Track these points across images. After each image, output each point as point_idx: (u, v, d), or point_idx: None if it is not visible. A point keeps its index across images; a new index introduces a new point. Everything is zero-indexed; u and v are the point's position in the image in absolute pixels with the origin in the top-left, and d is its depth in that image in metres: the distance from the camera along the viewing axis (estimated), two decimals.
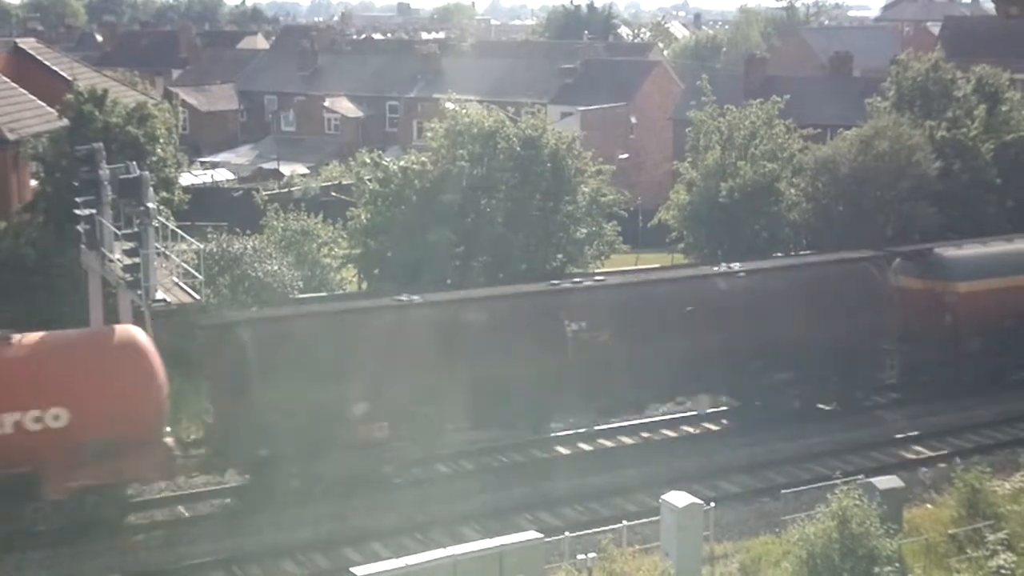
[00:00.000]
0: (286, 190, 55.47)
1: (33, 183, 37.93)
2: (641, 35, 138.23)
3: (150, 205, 26.90)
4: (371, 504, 26.19)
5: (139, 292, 26.92)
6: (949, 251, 35.23)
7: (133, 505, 25.80)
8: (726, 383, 31.37)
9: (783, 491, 26.42)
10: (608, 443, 30.73)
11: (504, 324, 28.04)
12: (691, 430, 31.91)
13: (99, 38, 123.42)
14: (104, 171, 28.59)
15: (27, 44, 50.89)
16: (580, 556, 21.91)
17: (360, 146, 50.60)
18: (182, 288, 28.34)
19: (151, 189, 27.92)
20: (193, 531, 25.13)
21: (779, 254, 37.31)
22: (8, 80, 42.48)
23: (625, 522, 23.28)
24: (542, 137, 37.25)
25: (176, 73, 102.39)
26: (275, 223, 39.36)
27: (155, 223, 27.02)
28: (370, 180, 36.29)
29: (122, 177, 28.12)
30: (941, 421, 32.03)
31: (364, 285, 37.83)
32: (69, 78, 41.21)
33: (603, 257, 38.95)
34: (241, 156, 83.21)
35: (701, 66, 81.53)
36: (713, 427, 32.16)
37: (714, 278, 31.26)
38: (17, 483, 22.97)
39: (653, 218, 43.29)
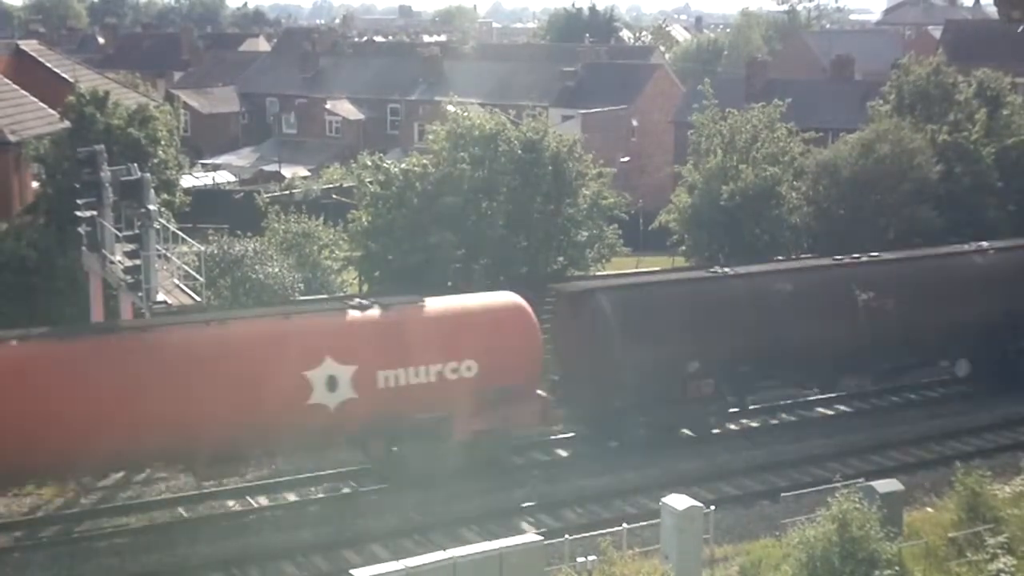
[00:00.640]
0: (287, 192, 55.55)
1: (34, 185, 37.96)
2: (642, 38, 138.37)
3: (151, 207, 26.89)
4: (371, 505, 26.24)
5: (140, 294, 26.93)
6: None
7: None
8: (980, 349, 33.98)
9: (783, 494, 26.45)
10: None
11: (806, 293, 31.41)
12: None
13: (101, 40, 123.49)
14: (105, 173, 28.59)
15: (29, 46, 50.93)
16: (580, 559, 21.93)
17: (361, 148, 50.67)
18: (183, 290, 28.37)
19: (152, 191, 27.92)
20: None
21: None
22: (10, 82, 42.51)
23: (625, 524, 23.28)
24: (543, 140, 37.28)
25: (178, 75, 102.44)
26: (276, 225, 39.38)
27: (156, 225, 27.02)
28: (371, 182, 36.30)
29: (123, 179, 28.12)
30: (941, 425, 32.11)
31: (365, 288, 37.82)
32: (71, 80, 41.22)
33: (604, 260, 38.97)
34: (242, 158, 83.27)
35: (702, 69, 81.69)
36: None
37: (971, 255, 35.07)
38: (434, 425, 26.52)
39: (654, 221, 43.31)
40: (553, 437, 30.64)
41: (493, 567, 19.75)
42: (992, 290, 33.81)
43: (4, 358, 23.46)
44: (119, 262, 28.28)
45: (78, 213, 29.53)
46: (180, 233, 31.05)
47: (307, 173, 70.58)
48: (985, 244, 35.61)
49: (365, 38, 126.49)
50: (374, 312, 26.53)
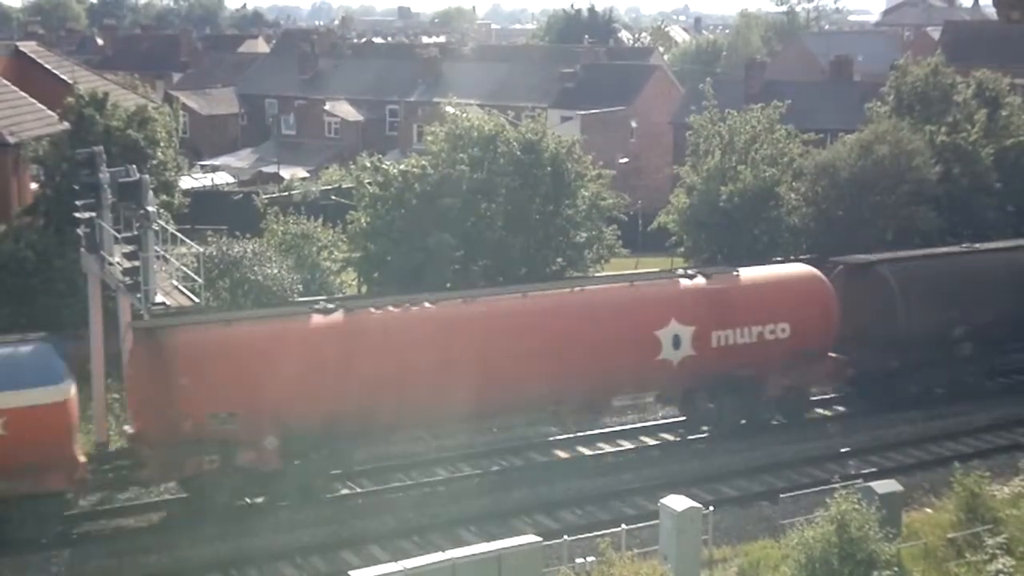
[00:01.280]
0: (286, 194, 55.50)
1: (33, 186, 37.96)
2: (641, 39, 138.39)
3: (150, 208, 26.86)
4: (369, 507, 26.23)
5: (138, 295, 26.89)
6: None
7: None
8: None
9: (782, 495, 26.45)
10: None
11: None
12: None
13: (100, 41, 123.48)
14: (104, 174, 28.54)
15: (28, 47, 50.91)
16: (579, 560, 21.92)
17: (360, 150, 50.66)
18: (182, 291, 28.32)
19: (151, 192, 27.89)
20: None
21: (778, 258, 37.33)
22: (9, 83, 42.50)
23: (624, 526, 23.28)
24: (542, 141, 37.30)
25: (177, 77, 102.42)
26: (275, 226, 39.41)
27: (155, 226, 26.97)
28: (370, 184, 36.31)
29: (122, 180, 28.08)
30: (940, 426, 32.12)
31: (363, 289, 37.83)
32: (70, 81, 41.21)
33: (603, 261, 38.99)
34: (241, 160, 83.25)
35: (701, 70, 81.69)
36: None
37: None
38: (752, 381, 30.02)
39: (653, 222, 43.32)
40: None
41: (492, 568, 19.74)
42: None
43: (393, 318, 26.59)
44: (118, 263, 28.24)
45: (77, 214, 29.49)
46: (179, 234, 31.01)
47: (306, 174, 70.54)
48: None
49: (364, 39, 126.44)
50: (701, 281, 30.15)
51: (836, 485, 22.46)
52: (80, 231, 29.77)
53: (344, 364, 25.43)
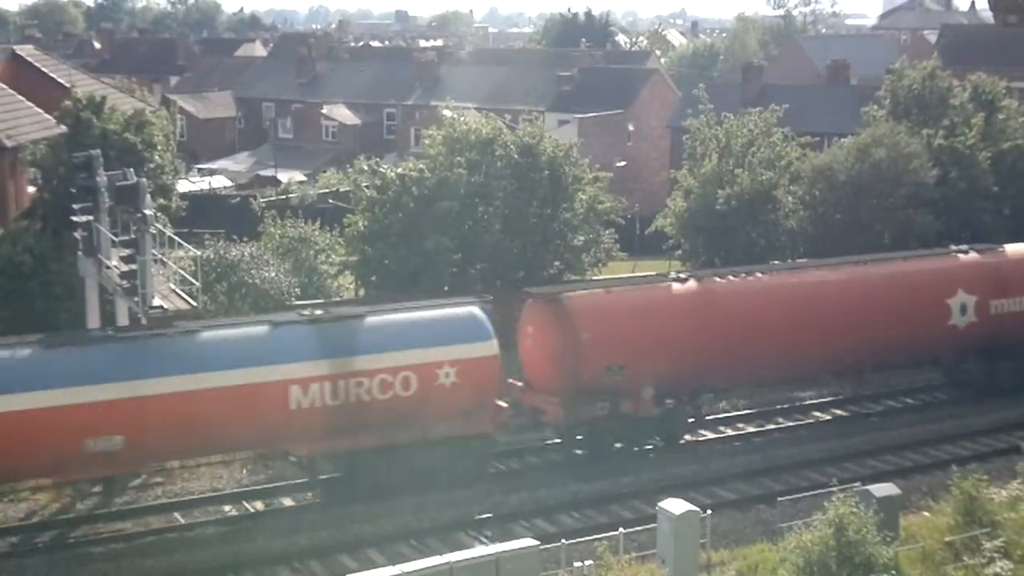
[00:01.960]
0: (283, 197, 55.58)
1: (31, 190, 37.94)
2: (638, 43, 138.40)
3: (147, 212, 26.86)
4: (367, 511, 26.22)
5: (136, 299, 26.89)
6: None
7: None
8: None
9: (779, 498, 26.44)
10: None
11: None
12: None
13: (97, 45, 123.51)
14: (101, 178, 28.56)
15: (25, 51, 50.93)
16: (576, 564, 21.91)
17: (358, 153, 50.64)
18: (179, 295, 28.32)
19: (148, 196, 27.87)
20: None
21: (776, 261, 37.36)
22: (6, 87, 42.52)
23: (622, 529, 23.27)
24: (540, 144, 37.32)
25: (174, 80, 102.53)
26: (272, 230, 39.42)
27: (152, 230, 26.98)
28: (367, 187, 36.32)
29: (119, 184, 28.09)
30: (938, 429, 32.14)
31: (361, 292, 37.83)
32: (67, 85, 41.23)
33: (600, 264, 38.99)
34: (239, 163, 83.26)
35: (698, 74, 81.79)
36: None
37: None
38: (1015, 348, 33.30)
39: (650, 225, 43.33)
40: None
41: (489, 572, 19.73)
42: None
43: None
44: (115, 267, 28.24)
45: (74, 218, 29.50)
46: (176, 238, 31.03)
47: (303, 178, 70.57)
48: None
49: (361, 43, 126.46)
50: (976, 255, 33.91)
51: (834, 488, 22.45)
52: (77, 235, 29.76)
53: (703, 325, 29.27)
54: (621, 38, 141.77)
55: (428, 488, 26.30)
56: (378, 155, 46.44)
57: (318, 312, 26.58)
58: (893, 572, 20.94)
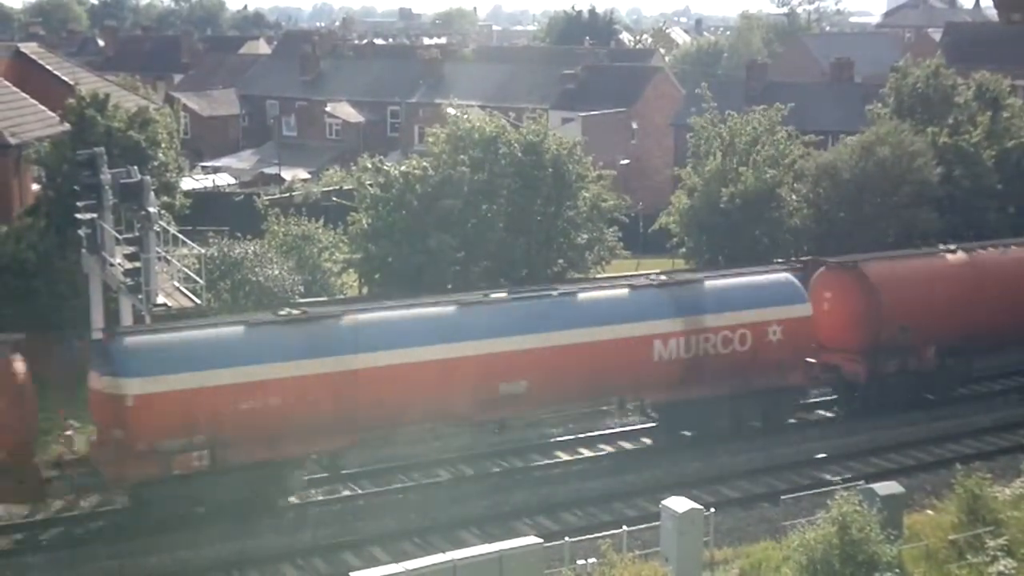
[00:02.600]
0: (287, 195, 55.53)
1: (35, 187, 37.97)
2: (642, 41, 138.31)
3: (151, 209, 26.91)
4: (371, 509, 26.23)
5: (140, 296, 26.93)
6: None
7: None
8: None
9: (783, 497, 26.42)
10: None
11: None
12: None
13: (101, 43, 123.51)
14: (105, 175, 28.61)
15: (29, 49, 50.91)
16: (580, 561, 21.90)
17: (361, 151, 50.68)
18: (183, 292, 28.36)
19: (152, 193, 27.95)
20: None
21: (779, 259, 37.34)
22: (10, 84, 42.53)
23: (625, 527, 23.27)
24: (543, 142, 37.31)
25: (178, 78, 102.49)
26: (276, 228, 39.43)
27: (156, 227, 27.03)
28: (371, 185, 36.32)
29: (123, 181, 28.14)
30: (942, 427, 32.12)
31: (364, 290, 37.84)
32: (71, 83, 41.24)
33: (604, 262, 38.98)
34: (242, 161, 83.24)
35: (702, 72, 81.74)
36: None
37: None
38: None
39: (654, 223, 43.32)
40: None
41: (493, 569, 19.73)
42: None
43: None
44: (119, 264, 28.28)
45: (78, 216, 29.55)
46: (180, 235, 31.06)
47: (307, 175, 70.54)
48: None
49: (365, 41, 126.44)
50: None
51: (837, 487, 22.44)
52: (81, 232, 29.82)
53: (974, 291, 32.87)
54: (625, 36, 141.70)
55: (749, 435, 30.36)
56: (382, 153, 46.50)
57: (663, 277, 30.90)
58: (897, 570, 20.95)
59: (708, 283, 30.34)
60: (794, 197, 40.57)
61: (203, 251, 31.24)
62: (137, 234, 27.30)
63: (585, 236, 38.08)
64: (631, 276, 32.73)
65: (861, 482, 24.91)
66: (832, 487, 23.06)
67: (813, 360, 31.41)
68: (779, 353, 30.24)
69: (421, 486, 27.76)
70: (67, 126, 36.03)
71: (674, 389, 29.33)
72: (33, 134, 38.65)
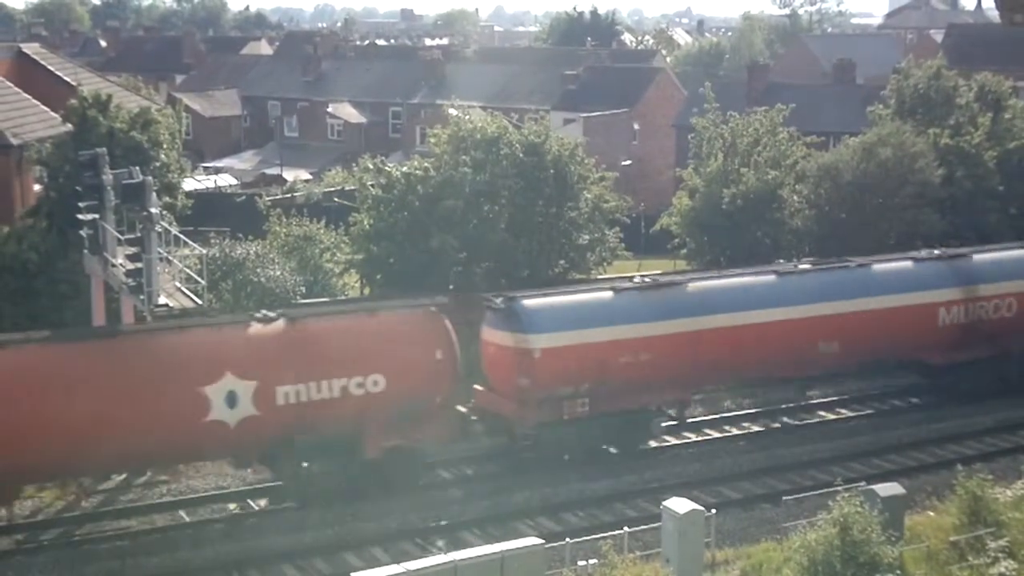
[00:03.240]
0: (289, 195, 55.54)
1: (36, 188, 37.96)
2: (644, 42, 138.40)
3: (153, 210, 26.88)
4: (372, 509, 26.25)
5: (141, 297, 26.91)
6: None
7: None
8: None
9: (784, 498, 26.44)
10: None
11: None
12: None
13: (103, 43, 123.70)
14: (107, 176, 28.56)
15: (31, 49, 50.90)
16: (581, 562, 21.92)
17: (363, 152, 50.69)
18: (185, 293, 28.34)
19: (154, 194, 27.90)
20: None
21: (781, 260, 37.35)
22: (12, 85, 42.52)
23: (626, 528, 23.28)
24: (545, 143, 37.30)
25: (180, 78, 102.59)
26: (278, 228, 39.42)
27: (158, 228, 26.99)
28: (373, 186, 36.32)
29: (125, 182, 28.10)
30: (943, 428, 32.13)
31: (366, 291, 37.85)
32: (73, 83, 41.24)
33: (606, 263, 38.98)
34: (244, 161, 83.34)
35: (704, 73, 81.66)
36: None
37: None
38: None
39: (656, 224, 43.32)
40: None
41: (494, 570, 19.74)
42: None
43: None
44: (121, 265, 28.26)
45: (80, 216, 29.50)
46: (182, 236, 31.01)
47: (309, 176, 70.61)
48: None
49: (367, 41, 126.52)
50: None
51: (839, 488, 22.44)
52: (83, 233, 29.79)
53: None
54: (627, 37, 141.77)
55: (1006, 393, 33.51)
56: (383, 154, 46.50)
57: (937, 252, 34.25)
58: (898, 572, 20.94)
59: (977, 256, 34.35)
60: (796, 198, 40.56)
61: (205, 252, 31.20)
62: (139, 235, 27.27)
63: (587, 237, 38.06)
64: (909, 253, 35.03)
65: (862, 483, 24.91)
66: (833, 488, 23.03)
67: None
68: None
69: (421, 487, 27.78)
70: (69, 127, 36.00)
71: (950, 352, 33.18)
72: (35, 134, 38.65)
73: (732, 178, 39.91)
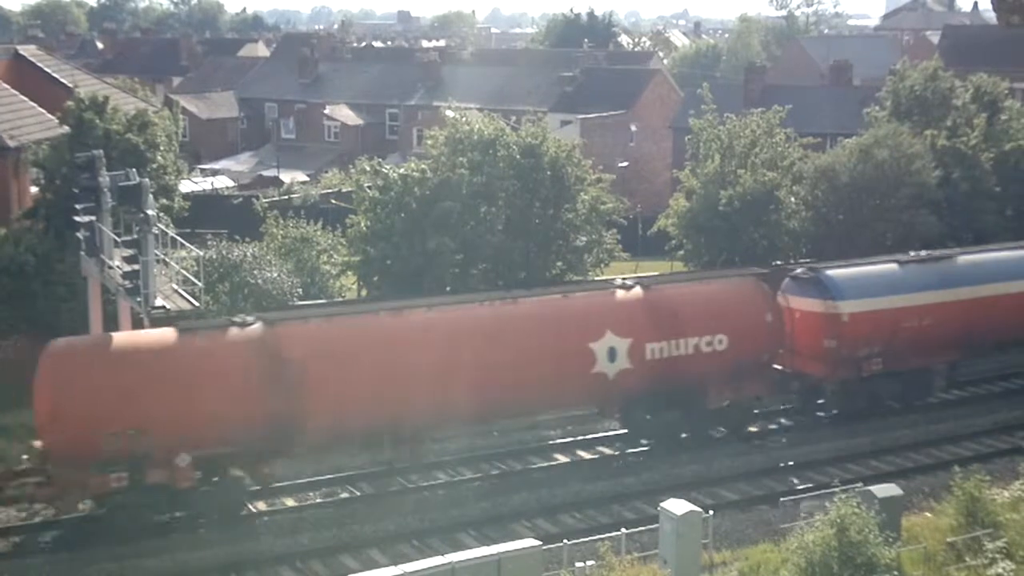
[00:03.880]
0: (286, 197, 55.55)
1: (33, 190, 37.95)
2: (641, 44, 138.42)
3: (150, 212, 26.89)
4: (370, 511, 26.23)
5: (138, 299, 26.93)
6: None
7: None
8: None
9: (782, 499, 26.44)
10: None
11: None
12: None
13: (100, 45, 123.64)
14: (104, 178, 28.57)
15: (28, 51, 50.87)
16: (578, 564, 21.91)
17: (360, 154, 50.65)
18: (181, 295, 28.34)
19: (151, 196, 27.91)
20: None
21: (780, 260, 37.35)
22: (9, 87, 42.51)
23: (624, 529, 23.28)
24: (542, 145, 37.29)
25: (177, 80, 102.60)
26: (275, 230, 39.42)
27: (155, 230, 27.01)
28: (370, 187, 36.30)
29: (122, 184, 28.11)
30: (940, 429, 32.14)
31: (363, 292, 37.84)
32: (70, 85, 41.24)
33: (602, 265, 38.97)
34: (241, 163, 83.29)
35: (701, 75, 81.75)
36: None
37: None
38: None
39: (653, 226, 43.31)
40: None
41: (491, 572, 19.74)
42: None
43: None
44: (118, 267, 28.27)
45: (77, 218, 29.50)
46: (179, 238, 31.06)
47: (306, 178, 70.58)
48: None
49: (364, 43, 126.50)
50: None
51: (836, 489, 22.44)
52: (80, 235, 29.78)
53: None
54: (624, 39, 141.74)
55: None
56: (380, 155, 46.45)
57: None
58: (895, 573, 20.95)
59: None
60: (792, 199, 40.56)
61: (202, 253, 31.22)
62: (136, 236, 27.28)
63: (584, 238, 38.05)
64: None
65: (859, 484, 24.91)
66: (831, 489, 23.04)
67: None
68: None
69: (419, 488, 27.77)
70: (66, 128, 36.01)
71: None
72: (32, 136, 38.64)
73: (729, 179, 39.91)
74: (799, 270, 32.79)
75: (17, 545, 24.86)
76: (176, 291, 28.56)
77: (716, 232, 39.81)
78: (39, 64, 48.33)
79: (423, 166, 36.51)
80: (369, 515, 26.14)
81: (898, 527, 23.29)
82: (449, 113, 40.23)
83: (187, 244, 30.86)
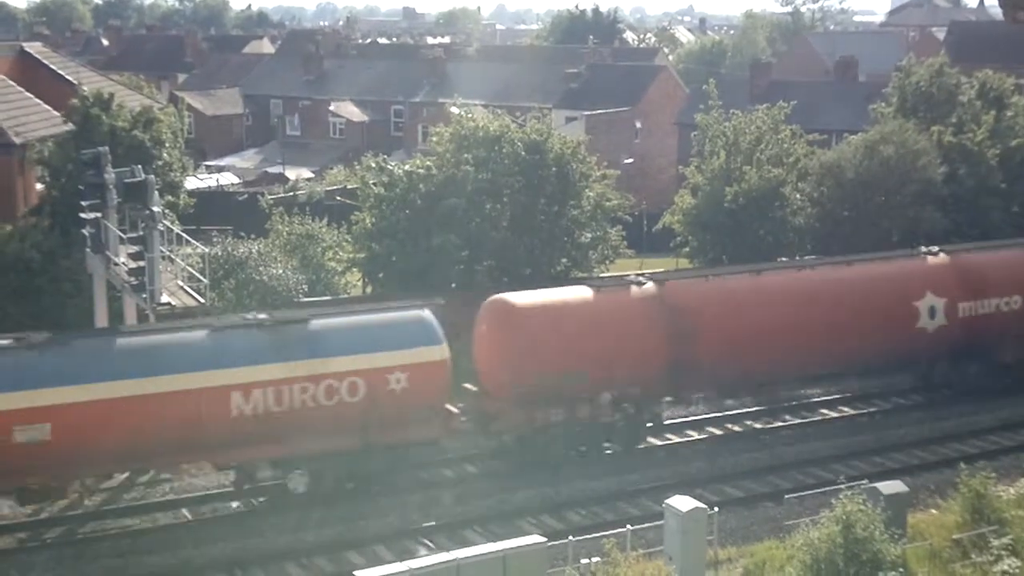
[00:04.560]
0: (291, 194, 55.53)
1: (39, 187, 38.00)
2: (646, 40, 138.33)
3: (155, 209, 26.93)
4: (374, 507, 26.25)
5: (144, 295, 26.96)
6: None
7: None
8: None
9: (787, 496, 26.42)
10: None
11: None
12: None
13: (105, 42, 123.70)
14: (109, 175, 28.61)
15: (33, 48, 50.90)
16: (584, 560, 21.91)
17: (365, 150, 50.67)
18: (187, 292, 28.38)
19: (156, 193, 27.96)
20: None
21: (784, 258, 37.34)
22: (14, 84, 42.54)
23: (629, 526, 23.27)
24: (547, 141, 37.28)
25: (182, 77, 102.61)
26: (280, 227, 39.43)
27: (160, 227, 27.04)
28: (375, 184, 36.32)
29: (127, 181, 28.15)
30: (945, 426, 32.11)
31: (369, 289, 37.86)
32: (75, 82, 41.27)
33: (608, 261, 38.97)
34: (246, 160, 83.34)
35: (706, 71, 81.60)
36: None
37: None
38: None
39: (658, 222, 43.28)
40: None
41: (496, 568, 19.74)
42: None
43: None
44: (123, 264, 28.31)
45: (82, 215, 29.55)
46: (184, 235, 31.08)
47: (311, 175, 70.60)
48: None
49: (369, 40, 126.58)
50: None
51: (841, 486, 22.42)
52: (85, 231, 29.82)
53: None
54: (629, 35, 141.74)
55: None
56: (385, 152, 46.47)
57: None
58: (900, 570, 20.93)
59: None
60: (798, 196, 40.50)
61: (207, 250, 31.25)
62: (141, 233, 27.32)
63: (589, 235, 38.05)
64: None
65: (865, 481, 24.89)
66: (836, 486, 23.02)
67: None
68: None
69: (424, 484, 27.79)
70: (71, 125, 36.04)
71: None
72: (37, 133, 38.68)
73: (734, 176, 39.87)
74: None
75: (22, 541, 24.91)
76: (181, 288, 28.60)
77: (721, 229, 39.79)
78: (44, 61, 48.35)
79: (428, 163, 36.52)
80: (374, 511, 26.10)
81: (904, 524, 23.26)
82: (454, 110, 40.27)
83: (192, 241, 30.87)
